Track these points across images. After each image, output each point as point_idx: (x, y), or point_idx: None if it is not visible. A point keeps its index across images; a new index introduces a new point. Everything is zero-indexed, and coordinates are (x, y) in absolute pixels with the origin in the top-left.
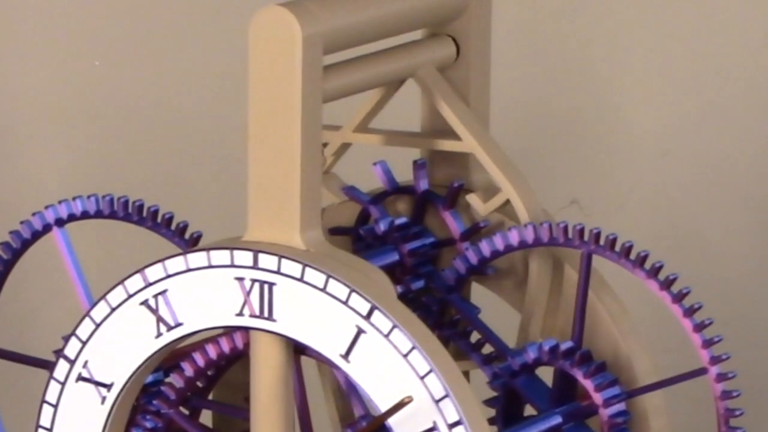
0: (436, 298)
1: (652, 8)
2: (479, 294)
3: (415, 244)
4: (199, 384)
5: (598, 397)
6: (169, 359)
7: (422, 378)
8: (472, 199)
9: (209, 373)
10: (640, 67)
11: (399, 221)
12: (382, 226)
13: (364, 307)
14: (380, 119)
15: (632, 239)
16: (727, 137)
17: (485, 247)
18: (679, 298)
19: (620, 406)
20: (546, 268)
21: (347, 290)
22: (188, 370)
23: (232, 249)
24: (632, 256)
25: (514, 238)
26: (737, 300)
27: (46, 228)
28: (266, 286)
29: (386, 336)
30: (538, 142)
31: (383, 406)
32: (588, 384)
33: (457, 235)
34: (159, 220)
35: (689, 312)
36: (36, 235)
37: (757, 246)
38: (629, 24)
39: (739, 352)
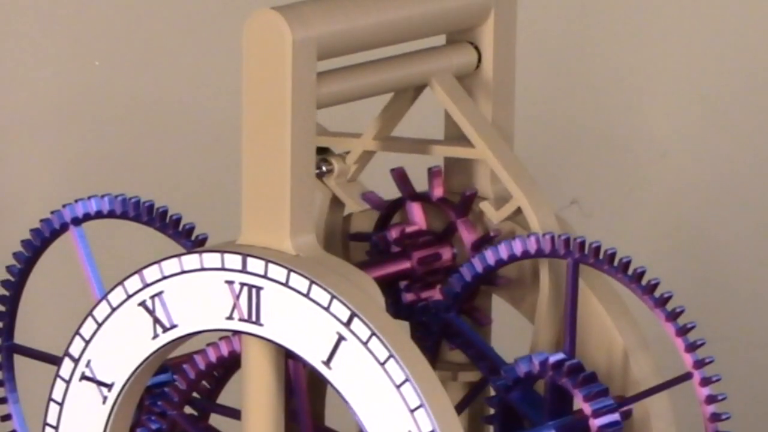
0: (433, 313)
1: (651, 10)
2: (496, 302)
3: (425, 252)
4: (207, 386)
5: (587, 408)
6: (178, 360)
7: (398, 387)
8: (485, 206)
9: (216, 374)
10: (641, 69)
11: (410, 228)
12: (393, 233)
13: (344, 313)
14: (411, 126)
15: (632, 239)
16: (727, 137)
17: (478, 264)
18: (661, 302)
19: (611, 417)
20: (555, 277)
21: (329, 296)
22: (190, 373)
23: (222, 252)
24: (615, 263)
25: (503, 252)
26: (738, 299)
27: (63, 227)
28: (254, 290)
29: (365, 344)
30: (539, 143)
31: (361, 414)
32: (577, 394)
33: (469, 244)
34: (167, 221)
35: (672, 316)
36: (54, 234)
37: (757, 246)
38: (629, 26)
39: (740, 353)
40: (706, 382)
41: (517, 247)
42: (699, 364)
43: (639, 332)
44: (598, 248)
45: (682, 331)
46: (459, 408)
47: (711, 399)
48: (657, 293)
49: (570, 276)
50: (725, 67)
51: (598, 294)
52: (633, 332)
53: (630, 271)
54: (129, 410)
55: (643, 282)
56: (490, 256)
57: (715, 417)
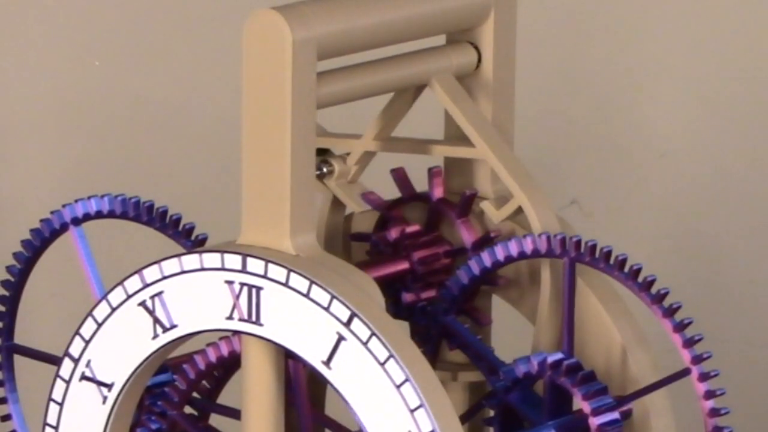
0: (431, 316)
1: (651, 10)
2: (496, 302)
3: (425, 252)
4: (207, 386)
5: (586, 406)
6: (178, 360)
7: (398, 387)
8: (486, 206)
9: (216, 374)
10: (641, 69)
11: (410, 229)
12: (393, 234)
13: (344, 313)
14: (411, 126)
15: (632, 239)
16: (726, 137)
17: (474, 266)
18: (658, 299)
19: (610, 415)
20: (556, 277)
21: (329, 296)
22: (190, 373)
23: (222, 252)
24: (611, 260)
25: (500, 253)
26: (737, 299)
27: (63, 227)
28: (254, 290)
29: (365, 344)
30: (539, 142)
31: (361, 414)
32: (576, 393)
33: (469, 245)
34: (167, 221)
35: (669, 312)
36: (54, 234)
37: (757, 245)
38: (629, 26)
39: (740, 352)
40: (704, 377)
41: (513, 248)
42: (697, 359)
43: (638, 330)
44: (594, 246)
45: (680, 327)
46: (467, 415)
47: (710, 394)
48: (653, 290)
49: (567, 275)
50: (725, 67)
51: (596, 293)
52: (631, 330)
53: (626, 269)
54: (129, 410)
55: (640, 279)
56: (486, 258)
57: (714, 412)
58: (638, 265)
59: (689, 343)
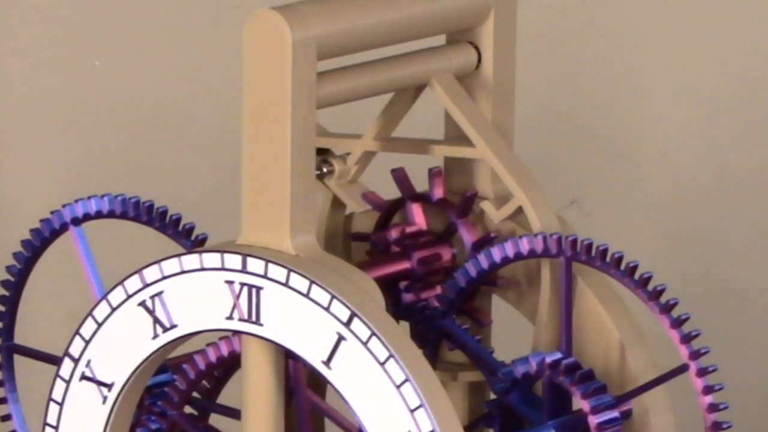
0: (430, 320)
1: (651, 10)
2: (496, 302)
3: (426, 252)
4: (207, 386)
5: (586, 405)
6: (178, 360)
7: (398, 387)
8: (486, 206)
9: (216, 374)
10: (641, 68)
11: (410, 229)
12: (393, 234)
13: (344, 313)
14: (411, 126)
15: (632, 239)
16: (727, 137)
17: (472, 268)
18: (654, 296)
19: (610, 414)
20: (556, 277)
21: (329, 296)
22: (190, 373)
23: (222, 252)
24: (607, 258)
25: (496, 255)
26: (737, 299)
27: (63, 227)
28: (254, 290)
29: (365, 344)
30: (539, 143)
31: (361, 414)
32: (575, 392)
33: (470, 245)
34: (167, 221)
35: (666, 308)
36: (54, 234)
37: (757, 245)
38: (629, 26)
39: (740, 352)
40: (702, 372)
41: (510, 249)
42: (695, 355)
43: (636, 327)
44: (590, 245)
45: (677, 323)
46: (467, 416)
47: (708, 389)
48: (650, 287)
49: (564, 274)
50: (725, 67)
51: (594, 291)
52: (630, 328)
53: (622, 266)
54: (129, 410)
55: (636, 276)
56: (483, 260)
57: (713, 407)
58: (634, 262)
59: (687, 338)
